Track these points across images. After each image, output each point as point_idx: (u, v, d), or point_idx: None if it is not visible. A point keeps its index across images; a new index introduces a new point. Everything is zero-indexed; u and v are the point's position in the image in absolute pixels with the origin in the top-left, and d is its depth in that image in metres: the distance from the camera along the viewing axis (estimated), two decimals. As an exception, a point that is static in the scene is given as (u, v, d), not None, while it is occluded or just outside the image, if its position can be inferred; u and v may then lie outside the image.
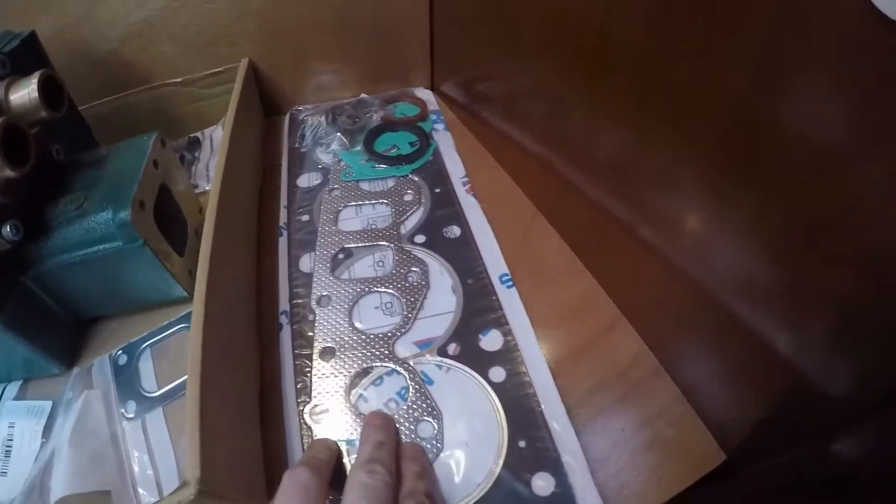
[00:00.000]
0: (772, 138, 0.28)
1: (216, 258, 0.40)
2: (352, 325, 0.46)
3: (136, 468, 0.41)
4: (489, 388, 0.41)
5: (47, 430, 0.44)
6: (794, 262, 0.29)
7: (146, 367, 0.47)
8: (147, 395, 0.45)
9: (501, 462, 0.38)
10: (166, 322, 0.49)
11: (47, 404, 0.45)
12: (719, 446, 0.38)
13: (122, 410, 0.44)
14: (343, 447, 0.39)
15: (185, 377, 0.43)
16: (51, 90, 0.44)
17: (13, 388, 0.47)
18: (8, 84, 0.43)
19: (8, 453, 0.43)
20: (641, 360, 0.43)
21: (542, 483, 0.37)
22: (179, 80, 0.66)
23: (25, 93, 0.42)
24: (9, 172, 0.37)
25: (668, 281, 0.40)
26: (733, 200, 0.32)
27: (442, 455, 0.38)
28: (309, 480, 0.32)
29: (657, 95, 0.35)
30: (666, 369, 0.42)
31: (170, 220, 0.48)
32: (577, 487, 0.36)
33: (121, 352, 0.48)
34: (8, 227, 0.39)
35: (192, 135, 0.70)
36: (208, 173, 0.64)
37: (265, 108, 0.72)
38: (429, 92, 0.75)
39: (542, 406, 0.40)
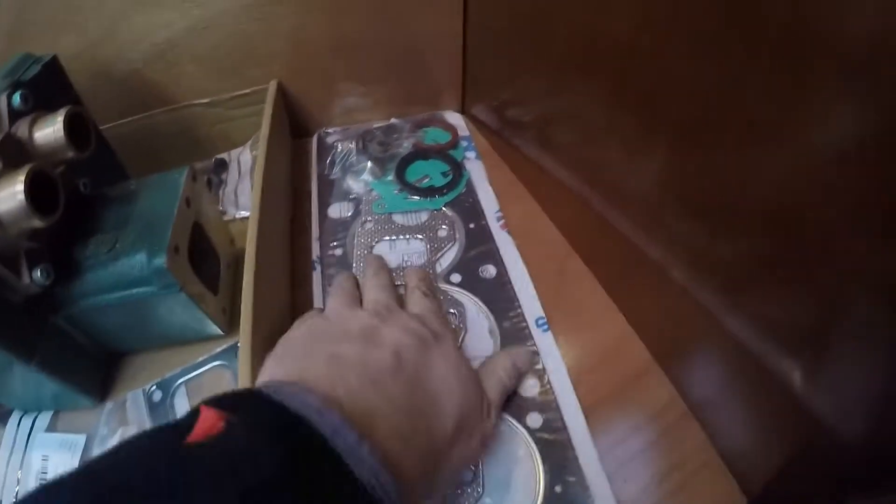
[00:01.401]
0: (830, 196, 0.27)
1: (259, 300, 0.39)
2: (389, 368, 0.46)
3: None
4: (527, 434, 0.41)
5: (83, 466, 0.44)
6: (827, 316, 0.29)
7: (182, 404, 0.47)
8: (183, 434, 0.44)
9: (538, 507, 0.38)
10: (200, 359, 0.49)
11: (81, 438, 0.45)
12: (742, 492, 0.38)
13: (160, 450, 0.44)
14: None
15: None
16: (76, 126, 0.43)
17: (44, 418, 0.47)
18: (32, 121, 0.42)
19: None
20: (671, 405, 0.43)
21: (577, 529, 0.37)
22: (206, 100, 0.65)
23: (51, 131, 0.41)
24: (37, 223, 0.36)
25: (699, 325, 0.40)
26: (777, 253, 0.31)
27: (482, 500, 0.38)
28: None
29: (710, 138, 0.34)
30: (694, 415, 0.42)
31: (202, 257, 0.47)
32: (610, 533, 0.37)
33: (154, 387, 0.48)
34: (38, 272, 0.39)
35: (218, 156, 0.69)
36: (236, 198, 0.64)
37: (292, 129, 0.71)
38: (459, 116, 0.73)
39: (578, 452, 0.40)
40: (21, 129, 0.41)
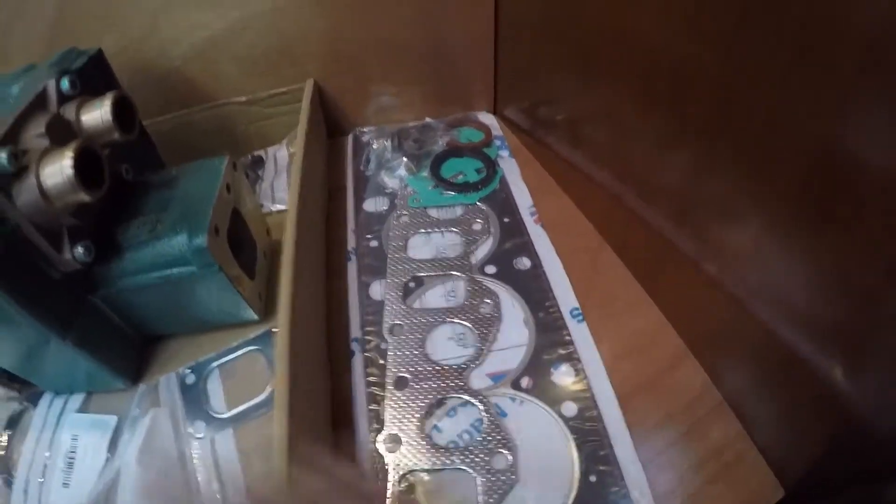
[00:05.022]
0: (857, 183, 0.27)
1: (297, 287, 0.40)
2: (425, 355, 0.46)
3: (202, 489, 0.41)
4: (562, 423, 0.41)
5: (112, 446, 0.44)
6: (863, 307, 0.29)
7: (215, 387, 0.47)
8: (216, 415, 0.45)
9: (573, 496, 0.38)
10: (234, 343, 0.49)
11: (112, 419, 0.45)
12: (779, 482, 0.38)
13: (191, 430, 0.44)
14: (417, 477, 0.39)
15: (257, 400, 0.45)
16: (122, 111, 0.44)
17: (76, 400, 0.47)
18: (80, 104, 0.43)
19: (70, 465, 0.43)
20: (706, 394, 0.43)
21: (612, 519, 0.37)
22: (243, 98, 0.66)
23: (98, 114, 0.42)
24: (83, 196, 0.37)
25: (732, 316, 0.40)
26: (808, 242, 0.31)
27: (516, 487, 0.38)
28: None
29: (735, 131, 0.35)
30: (729, 404, 0.42)
31: (240, 243, 0.48)
32: (644, 524, 0.37)
33: (188, 371, 0.48)
34: (80, 249, 0.39)
35: (254, 153, 0.70)
36: (272, 193, 0.64)
37: (327, 128, 0.72)
38: (491, 116, 0.74)
39: (612, 441, 0.40)
40: (69, 111, 0.42)
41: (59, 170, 0.36)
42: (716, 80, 0.35)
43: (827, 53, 0.26)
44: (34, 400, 0.48)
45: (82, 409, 0.47)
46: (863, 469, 0.31)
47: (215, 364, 0.48)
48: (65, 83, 0.43)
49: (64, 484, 0.42)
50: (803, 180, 0.30)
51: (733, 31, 0.32)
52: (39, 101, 0.42)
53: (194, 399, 0.46)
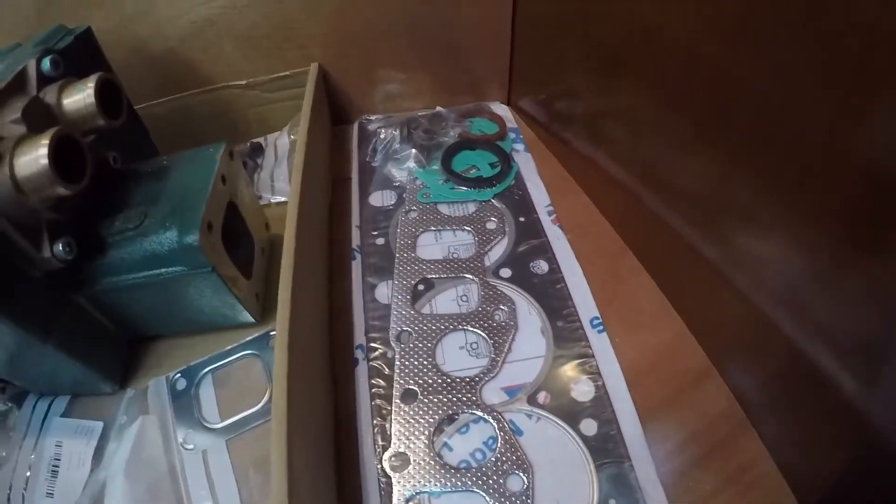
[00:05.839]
0: None
1: (297, 287, 0.37)
2: (435, 365, 0.43)
3: (195, 504, 0.38)
4: (580, 442, 0.38)
5: (98, 454, 0.41)
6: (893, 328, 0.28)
7: (207, 394, 0.44)
8: (209, 426, 0.42)
9: (593, 523, 0.35)
10: (229, 347, 0.46)
11: (98, 425, 0.43)
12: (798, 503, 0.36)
13: (181, 441, 0.41)
14: (426, 499, 0.37)
15: (253, 409, 0.42)
16: (108, 95, 0.41)
17: (60, 403, 0.45)
18: (61, 87, 0.40)
19: (55, 473, 0.41)
20: (729, 412, 0.41)
21: (633, 546, 0.35)
22: (243, 82, 0.63)
23: (81, 98, 0.39)
24: (61, 190, 0.34)
25: (757, 330, 0.38)
26: (847, 262, 0.30)
27: (531, 512, 0.36)
28: None
29: (780, 146, 0.32)
30: (751, 422, 0.40)
31: (236, 239, 0.45)
32: (666, 550, 0.35)
33: (179, 375, 0.45)
34: (60, 246, 0.36)
35: (254, 140, 0.67)
36: (272, 183, 0.62)
37: (331, 115, 0.69)
38: (505, 107, 0.71)
39: (634, 464, 0.37)
40: (49, 94, 0.39)
41: (33, 160, 0.33)
42: (766, 94, 0.33)
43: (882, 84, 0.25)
44: (18, 400, 0.46)
45: (67, 413, 0.44)
46: (887, 492, 0.30)
47: (208, 369, 0.46)
48: (46, 64, 0.40)
49: (48, 493, 0.40)
50: (853, 203, 0.29)
51: (789, 41, 0.30)
52: (18, 84, 0.39)
53: (185, 406, 0.43)
